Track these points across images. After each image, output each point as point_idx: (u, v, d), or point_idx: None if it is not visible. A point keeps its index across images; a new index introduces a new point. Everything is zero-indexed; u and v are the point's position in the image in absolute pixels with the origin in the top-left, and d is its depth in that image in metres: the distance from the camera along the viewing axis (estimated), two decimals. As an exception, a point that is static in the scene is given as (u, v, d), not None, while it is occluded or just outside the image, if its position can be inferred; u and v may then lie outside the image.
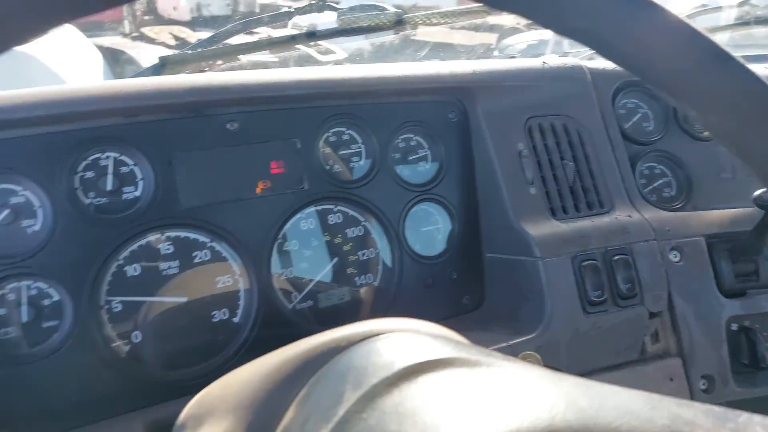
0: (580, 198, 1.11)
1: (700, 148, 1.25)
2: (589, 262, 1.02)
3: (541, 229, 1.05)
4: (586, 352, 1.01)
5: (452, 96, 1.14)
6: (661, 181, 1.23)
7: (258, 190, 0.96)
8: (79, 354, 0.82)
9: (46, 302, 0.82)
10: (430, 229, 1.12)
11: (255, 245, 0.95)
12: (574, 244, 1.03)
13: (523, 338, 0.98)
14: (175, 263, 0.91)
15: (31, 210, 0.82)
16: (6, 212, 0.80)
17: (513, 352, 0.96)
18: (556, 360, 0.99)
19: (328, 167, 1.03)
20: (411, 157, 1.11)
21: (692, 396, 1.07)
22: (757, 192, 1.00)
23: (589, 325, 1.01)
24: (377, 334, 0.46)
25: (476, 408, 0.35)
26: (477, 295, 1.14)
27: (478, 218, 1.14)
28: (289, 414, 0.41)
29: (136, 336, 0.88)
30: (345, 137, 1.06)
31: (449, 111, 1.14)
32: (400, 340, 0.45)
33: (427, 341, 0.44)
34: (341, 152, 1.05)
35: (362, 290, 1.05)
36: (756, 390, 1.09)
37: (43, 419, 0.79)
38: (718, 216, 1.15)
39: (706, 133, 1.24)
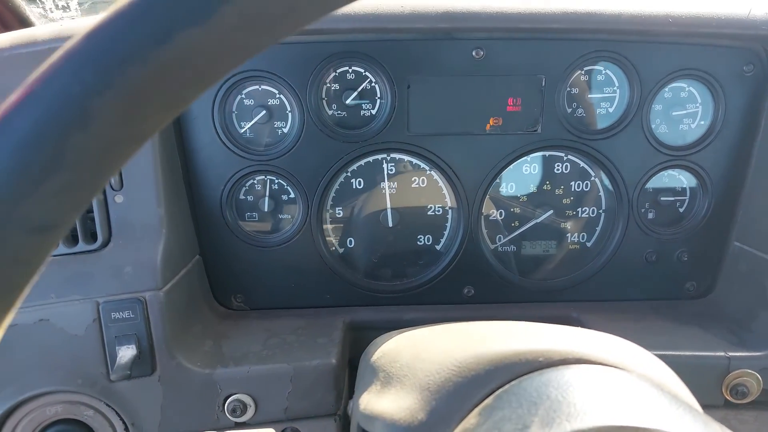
0: None
1: None
2: None
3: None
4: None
5: (756, 43, 0.89)
6: None
7: (488, 127, 0.91)
8: (304, 248, 0.94)
9: (285, 197, 0.94)
10: (671, 200, 0.97)
11: (471, 183, 0.94)
12: None
13: (749, 353, 0.85)
14: (394, 184, 0.95)
15: (284, 113, 0.91)
16: (263, 112, 0.90)
17: (729, 365, 0.84)
18: (782, 389, 0.85)
19: (569, 110, 0.93)
20: (676, 112, 0.94)
21: None
22: None
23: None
24: (587, 361, 0.39)
25: None
26: (704, 283, 0.99)
27: (739, 200, 0.95)
28: (471, 419, 0.39)
29: (350, 242, 0.97)
30: (600, 78, 0.92)
31: (746, 62, 0.90)
32: (611, 381, 0.38)
33: (650, 396, 0.36)
34: (590, 95, 0.92)
35: (572, 248, 0.99)
36: None
37: (267, 294, 0.96)
38: None
39: None
